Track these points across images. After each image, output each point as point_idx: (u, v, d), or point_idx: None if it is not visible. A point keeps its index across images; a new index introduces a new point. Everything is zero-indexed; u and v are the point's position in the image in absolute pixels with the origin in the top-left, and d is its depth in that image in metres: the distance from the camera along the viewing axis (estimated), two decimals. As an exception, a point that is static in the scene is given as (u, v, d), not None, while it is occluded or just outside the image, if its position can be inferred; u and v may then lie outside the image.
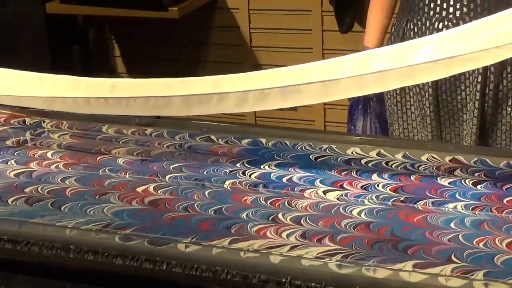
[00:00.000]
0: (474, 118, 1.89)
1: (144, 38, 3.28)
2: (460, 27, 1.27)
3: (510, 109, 1.91)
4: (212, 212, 1.23)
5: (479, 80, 1.87)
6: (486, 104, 1.90)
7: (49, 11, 3.02)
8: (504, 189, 1.29)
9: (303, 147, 1.49)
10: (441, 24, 1.88)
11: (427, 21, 1.90)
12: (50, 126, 1.63)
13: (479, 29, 1.20)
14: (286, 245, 1.12)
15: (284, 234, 1.15)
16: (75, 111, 1.52)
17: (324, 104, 3.06)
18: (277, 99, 1.29)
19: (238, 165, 1.41)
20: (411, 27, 1.95)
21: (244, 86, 1.30)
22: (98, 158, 1.47)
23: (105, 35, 3.37)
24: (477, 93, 1.87)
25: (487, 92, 1.89)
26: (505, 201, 1.24)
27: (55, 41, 3.18)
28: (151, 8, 2.85)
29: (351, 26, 2.90)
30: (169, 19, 2.91)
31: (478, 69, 1.86)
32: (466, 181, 1.32)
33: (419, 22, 1.92)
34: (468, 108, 1.91)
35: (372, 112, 2.77)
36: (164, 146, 1.52)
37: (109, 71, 3.37)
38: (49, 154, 1.49)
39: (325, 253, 1.09)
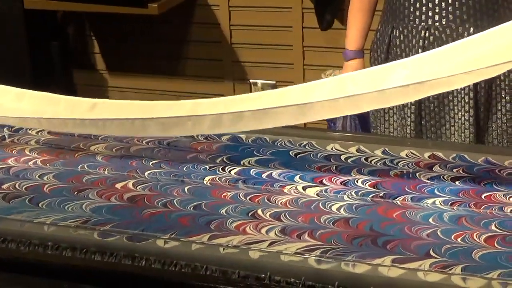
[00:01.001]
0: (470, 127, 1.87)
1: (124, 35, 3.26)
2: (431, 52, 1.30)
3: (500, 114, 1.91)
4: (191, 208, 1.23)
5: (471, 87, 1.86)
6: (478, 111, 1.89)
7: (27, 6, 2.99)
8: (482, 184, 1.30)
9: (283, 143, 1.49)
10: (427, 32, 1.88)
11: (413, 29, 1.90)
12: (28, 122, 1.62)
13: (448, 54, 1.24)
14: (265, 240, 1.12)
15: (263, 230, 1.15)
16: (51, 130, 1.51)
17: (304, 101, 3.07)
18: (251, 121, 1.31)
19: (217, 161, 1.41)
20: (397, 34, 1.94)
21: (219, 109, 1.31)
22: (77, 154, 1.46)
23: (84, 31, 3.35)
24: (471, 101, 1.87)
25: (478, 98, 1.88)
26: (483, 196, 1.25)
27: (34, 37, 3.15)
28: (131, 4, 2.84)
29: (331, 23, 2.90)
30: (148, 15, 2.89)
31: None
32: (445, 177, 1.33)
33: (405, 30, 1.92)
34: (457, 120, 1.90)
35: (352, 109, 2.78)
36: (144, 142, 1.51)
37: (88, 68, 3.35)
38: (27, 151, 1.48)
39: (305, 248, 1.09)
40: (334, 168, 1.38)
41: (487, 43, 1.22)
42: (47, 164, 1.41)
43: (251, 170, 1.37)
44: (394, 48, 1.96)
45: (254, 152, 1.44)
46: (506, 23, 1.24)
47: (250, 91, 3.13)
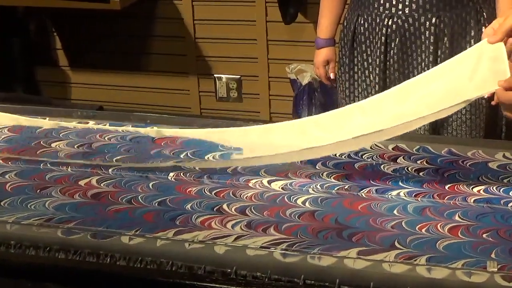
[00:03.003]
0: None
1: (86, 30, 3.22)
2: (388, 92, 1.35)
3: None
4: (156, 204, 1.22)
5: None
6: None
7: (-13, 3, 2.95)
8: (445, 175, 1.31)
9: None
10: (390, 20, 1.89)
11: (377, 17, 1.92)
12: (-11, 120, 1.60)
13: (404, 95, 1.29)
14: (231, 235, 1.12)
15: (229, 225, 1.15)
16: None
17: (269, 95, 3.07)
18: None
19: (182, 156, 1.40)
20: (362, 22, 1.96)
21: None
22: (38, 151, 1.44)
23: (46, 28, 3.30)
24: None
25: None
26: (446, 187, 1.26)
27: (-7, 33, 3.11)
28: (93, -1, 2.81)
29: (294, 17, 2.90)
30: (111, 10, 2.86)
31: (428, 65, 1.88)
32: (409, 168, 1.34)
33: (369, 18, 1.94)
34: None
35: (317, 102, 2.79)
36: (106, 138, 1.50)
37: (51, 64, 3.31)
38: (-13, 149, 1.46)
39: (270, 242, 1.09)
40: (298, 161, 1.38)
41: (440, 80, 1.26)
42: (9, 162, 1.39)
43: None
44: (359, 36, 1.98)
45: (219, 147, 1.43)
46: (458, 55, 1.28)
47: (215, 86, 3.12)
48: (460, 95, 1.21)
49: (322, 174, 1.32)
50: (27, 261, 1.10)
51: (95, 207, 1.21)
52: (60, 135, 1.51)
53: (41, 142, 1.48)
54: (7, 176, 1.33)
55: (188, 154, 1.41)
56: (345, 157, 1.39)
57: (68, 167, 1.36)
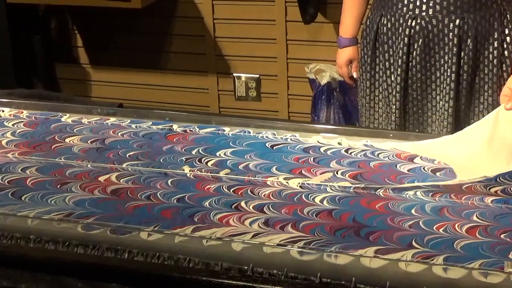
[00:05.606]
0: (449, 117, 1.89)
1: (107, 28, 3.24)
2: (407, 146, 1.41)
3: (482, 107, 1.92)
4: (174, 201, 1.23)
5: (453, 78, 1.87)
6: (459, 103, 1.91)
7: (9, 0, 2.97)
8: (463, 176, 1.31)
9: (264, 136, 1.49)
10: (414, 21, 1.89)
11: (401, 18, 1.91)
12: (9, 115, 1.61)
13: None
14: (248, 232, 1.12)
15: (246, 222, 1.16)
16: None
17: (288, 94, 3.07)
18: None
19: (193, 152, 1.41)
20: (385, 22, 1.95)
21: None
22: (53, 146, 1.45)
23: (67, 25, 3.32)
24: (451, 92, 1.88)
25: (460, 89, 1.89)
26: (464, 187, 1.26)
27: (15, 31, 3.13)
28: (114, -2, 2.82)
29: (314, 16, 2.90)
30: (131, 9, 2.87)
31: (451, 67, 1.87)
32: (426, 168, 1.34)
33: (392, 18, 1.93)
34: (438, 108, 1.91)
35: (335, 102, 2.78)
36: (119, 134, 1.51)
37: (71, 62, 3.33)
38: (3, 143, 1.47)
39: (288, 240, 1.10)
40: (312, 159, 1.38)
41: (461, 145, 1.35)
42: (27, 156, 1.40)
43: (228, 162, 1.37)
44: (382, 36, 1.97)
45: (230, 144, 1.44)
46: (477, 122, 1.39)
47: (234, 85, 3.13)
48: (480, 160, 1.28)
49: (336, 173, 1.32)
50: (47, 256, 1.11)
51: (114, 203, 1.23)
52: (74, 130, 1.53)
53: (56, 137, 1.49)
54: (28, 171, 1.35)
55: (200, 151, 1.41)
56: (361, 155, 1.39)
57: (87, 163, 1.37)
